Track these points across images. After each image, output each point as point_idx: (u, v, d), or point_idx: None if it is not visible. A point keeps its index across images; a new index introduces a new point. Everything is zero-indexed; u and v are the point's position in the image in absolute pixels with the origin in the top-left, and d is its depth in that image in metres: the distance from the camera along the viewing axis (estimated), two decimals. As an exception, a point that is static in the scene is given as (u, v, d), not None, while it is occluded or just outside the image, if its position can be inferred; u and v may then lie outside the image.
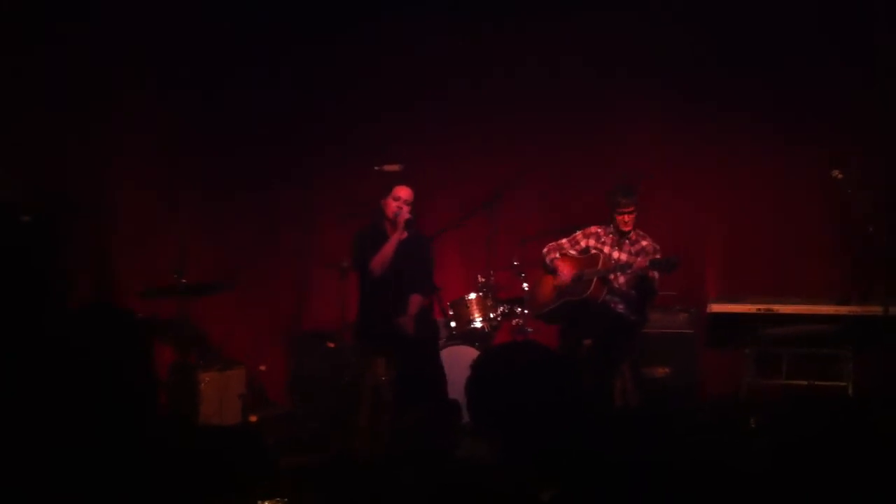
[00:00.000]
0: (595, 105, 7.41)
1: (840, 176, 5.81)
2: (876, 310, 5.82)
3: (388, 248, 5.39)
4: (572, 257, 6.14)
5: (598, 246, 6.11)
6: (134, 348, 2.82)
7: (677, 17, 7.11)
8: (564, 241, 6.22)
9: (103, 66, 6.65)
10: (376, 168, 6.02)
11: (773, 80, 7.06)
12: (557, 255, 6.16)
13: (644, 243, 6.05)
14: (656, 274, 5.94)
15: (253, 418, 6.43)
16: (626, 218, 6.00)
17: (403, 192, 5.48)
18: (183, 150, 7.24)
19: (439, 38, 7.60)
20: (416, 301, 5.40)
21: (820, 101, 6.93)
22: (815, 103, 6.95)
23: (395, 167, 6.00)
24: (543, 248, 6.25)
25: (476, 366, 2.65)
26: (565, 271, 6.05)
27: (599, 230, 6.16)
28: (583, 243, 6.17)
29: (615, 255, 6.05)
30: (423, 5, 7.45)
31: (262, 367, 6.97)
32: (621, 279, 5.98)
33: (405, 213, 5.42)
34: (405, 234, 5.48)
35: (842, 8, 6.76)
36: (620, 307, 5.99)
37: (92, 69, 6.56)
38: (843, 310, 6.04)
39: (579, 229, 6.25)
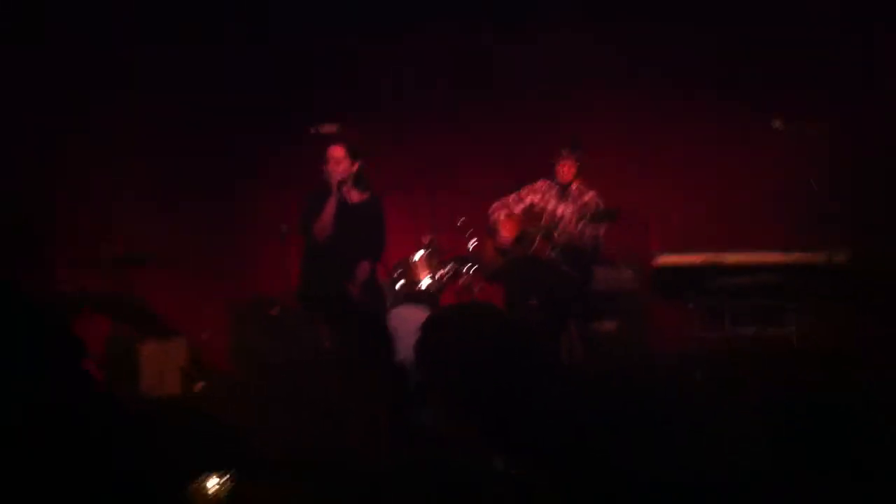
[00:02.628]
0: (539, 62, 7.27)
1: (781, 126, 5.82)
2: (820, 258, 5.88)
3: (327, 212, 5.25)
4: (516, 217, 6.06)
5: (542, 203, 6.05)
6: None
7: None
8: (510, 197, 6.15)
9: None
10: (312, 131, 5.88)
11: (713, 32, 7.01)
12: (502, 214, 6.07)
13: (587, 198, 6.00)
14: (601, 230, 5.90)
15: (197, 387, 6.28)
16: (565, 169, 5.94)
17: (336, 151, 5.34)
18: (125, 121, 6.99)
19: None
20: (364, 268, 5.27)
21: (762, 54, 6.89)
22: (756, 55, 6.91)
23: (331, 128, 5.86)
24: (490, 206, 6.17)
25: (426, 327, 2.55)
26: (506, 233, 5.97)
27: (544, 185, 6.10)
28: (527, 200, 6.10)
29: (559, 210, 5.99)
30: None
31: (204, 336, 6.79)
32: (565, 235, 5.92)
33: (336, 174, 5.28)
34: (351, 196, 5.33)
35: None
36: (565, 265, 5.94)
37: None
38: (789, 258, 6.08)
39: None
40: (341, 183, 5.28)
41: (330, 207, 5.24)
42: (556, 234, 5.90)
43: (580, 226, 5.86)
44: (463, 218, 6.49)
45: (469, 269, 6.46)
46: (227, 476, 2.93)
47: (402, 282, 6.46)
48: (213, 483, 2.88)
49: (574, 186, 6.03)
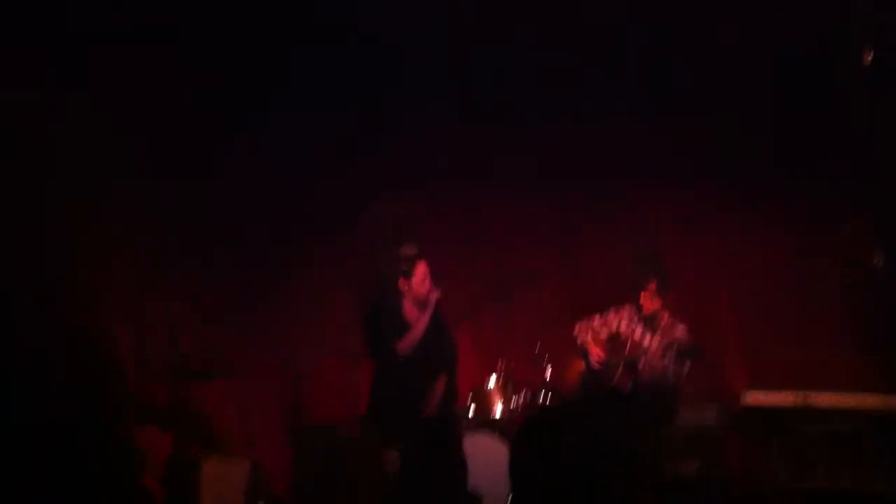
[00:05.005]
0: (617, 183, 7.13)
1: (881, 262, 5.59)
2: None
3: (419, 329, 5.19)
4: (601, 342, 5.83)
5: (629, 331, 5.81)
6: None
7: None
8: (595, 318, 5.92)
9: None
10: (391, 248, 5.82)
11: (796, 171, 6.87)
12: (589, 336, 5.85)
13: (677, 332, 5.73)
14: (686, 367, 5.64)
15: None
16: (649, 298, 5.72)
17: (425, 269, 5.31)
18: (186, 228, 6.96)
19: (455, 118, 7.38)
20: (442, 382, 5.16)
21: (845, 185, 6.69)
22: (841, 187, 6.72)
23: (412, 249, 5.80)
24: (574, 327, 5.95)
25: (518, 438, 2.34)
26: (596, 354, 5.75)
27: (632, 311, 5.86)
28: (613, 325, 5.86)
29: (646, 341, 5.74)
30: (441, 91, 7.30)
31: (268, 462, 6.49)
32: (648, 368, 5.68)
33: (437, 293, 5.24)
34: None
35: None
36: (646, 398, 5.66)
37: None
38: (884, 400, 5.72)
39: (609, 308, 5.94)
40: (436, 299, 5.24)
41: (423, 324, 5.18)
42: (640, 366, 5.65)
43: (666, 360, 5.60)
44: (539, 343, 6.28)
45: (544, 398, 6.21)
46: None
47: (474, 409, 6.25)
48: None
49: (665, 317, 5.78)
